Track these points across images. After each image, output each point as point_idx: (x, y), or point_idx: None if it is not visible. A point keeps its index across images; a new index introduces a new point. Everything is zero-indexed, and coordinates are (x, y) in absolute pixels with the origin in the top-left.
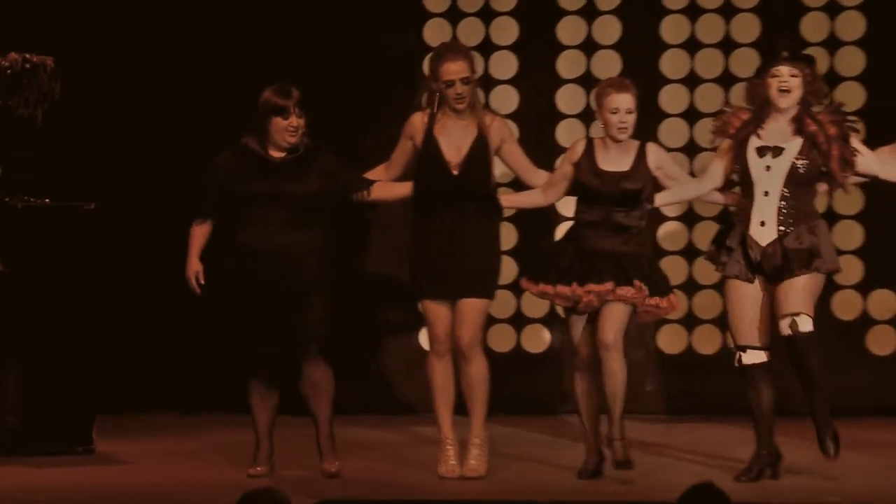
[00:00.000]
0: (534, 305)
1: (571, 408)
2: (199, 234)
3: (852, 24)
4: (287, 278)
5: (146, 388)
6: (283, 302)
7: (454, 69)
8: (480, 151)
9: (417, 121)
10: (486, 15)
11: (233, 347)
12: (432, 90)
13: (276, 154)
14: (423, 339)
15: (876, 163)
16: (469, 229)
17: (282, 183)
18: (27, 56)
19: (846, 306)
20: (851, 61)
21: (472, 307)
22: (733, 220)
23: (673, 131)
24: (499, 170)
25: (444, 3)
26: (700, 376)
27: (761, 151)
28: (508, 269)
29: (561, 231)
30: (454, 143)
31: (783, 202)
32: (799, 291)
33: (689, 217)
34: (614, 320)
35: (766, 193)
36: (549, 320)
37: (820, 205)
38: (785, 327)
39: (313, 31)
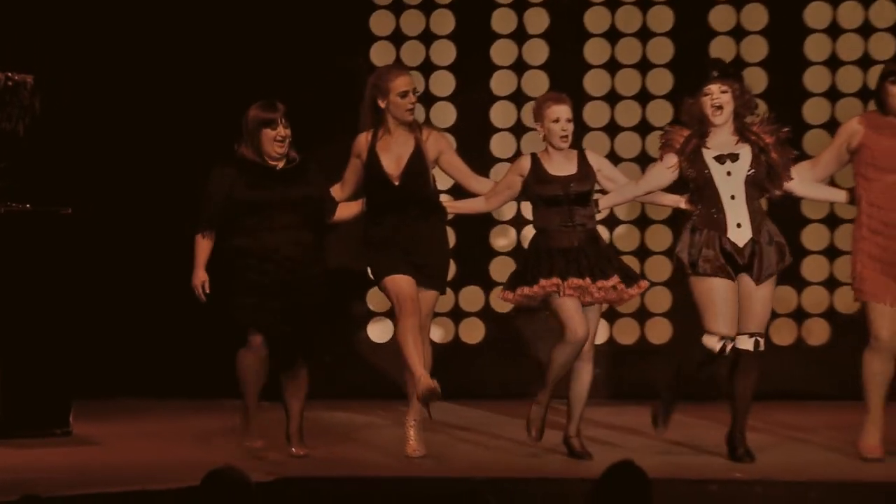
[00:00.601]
0: (471, 300)
1: (505, 393)
2: (206, 244)
3: (756, 47)
4: (296, 277)
5: (119, 375)
6: (290, 300)
7: (406, 81)
8: (418, 162)
9: (363, 140)
10: (427, 38)
11: (239, 327)
12: (378, 107)
13: (273, 163)
14: (373, 331)
15: (798, 184)
16: (416, 231)
17: (288, 189)
18: (9, 75)
19: None
20: (756, 80)
21: (427, 298)
22: (697, 226)
23: (596, 143)
24: (444, 179)
25: (389, 27)
26: (619, 364)
27: (720, 159)
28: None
29: (498, 237)
30: (394, 156)
31: (750, 204)
32: (764, 308)
33: (611, 221)
34: (593, 330)
35: (733, 197)
36: (485, 314)
37: None
38: (748, 344)
39: (274, 53)
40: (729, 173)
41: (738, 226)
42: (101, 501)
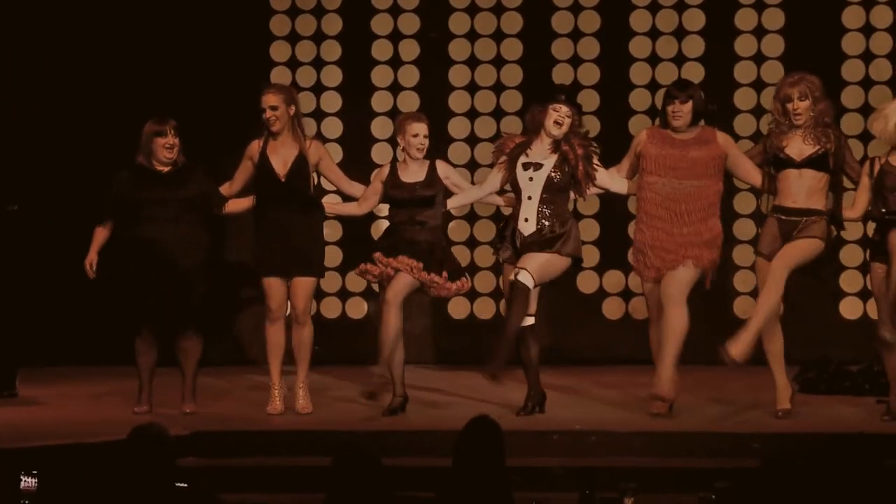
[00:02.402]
0: (356, 282)
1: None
2: (101, 233)
3: (590, 73)
4: (174, 263)
5: (58, 346)
6: (169, 282)
7: (264, 99)
8: (301, 165)
9: (255, 145)
10: (318, 63)
11: (131, 313)
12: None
13: (161, 168)
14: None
15: (608, 179)
16: (296, 223)
17: (168, 189)
18: None
19: (587, 283)
20: (589, 101)
21: (304, 283)
22: (509, 219)
23: (458, 153)
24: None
25: (286, 54)
26: (480, 336)
27: (526, 166)
28: (336, 255)
29: (378, 228)
30: (281, 159)
31: (542, 205)
32: (534, 259)
33: (472, 216)
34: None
35: (530, 198)
36: (367, 294)
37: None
38: (511, 274)
39: (188, 74)
40: (531, 179)
41: (526, 220)
42: (41, 453)
